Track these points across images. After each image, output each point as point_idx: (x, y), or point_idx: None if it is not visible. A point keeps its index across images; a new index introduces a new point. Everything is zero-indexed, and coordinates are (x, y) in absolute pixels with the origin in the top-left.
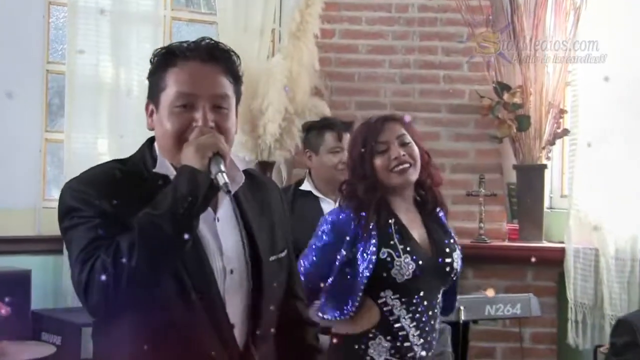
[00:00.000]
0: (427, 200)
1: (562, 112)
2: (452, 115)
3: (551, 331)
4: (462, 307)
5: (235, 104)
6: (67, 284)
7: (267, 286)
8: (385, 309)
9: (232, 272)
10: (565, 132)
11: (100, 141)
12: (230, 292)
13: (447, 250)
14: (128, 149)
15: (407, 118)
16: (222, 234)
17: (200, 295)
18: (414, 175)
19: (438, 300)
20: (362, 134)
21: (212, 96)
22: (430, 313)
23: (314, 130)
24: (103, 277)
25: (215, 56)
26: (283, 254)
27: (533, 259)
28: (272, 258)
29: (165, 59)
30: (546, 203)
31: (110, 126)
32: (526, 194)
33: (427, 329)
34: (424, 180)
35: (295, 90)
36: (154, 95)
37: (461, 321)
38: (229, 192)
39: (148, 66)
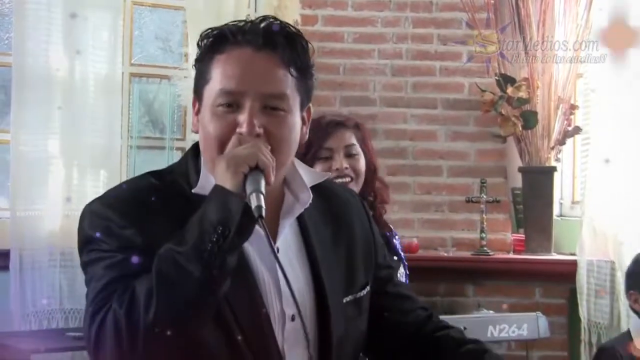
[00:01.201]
0: None
1: (573, 107)
2: (449, 111)
3: (562, 354)
4: (462, 328)
5: (300, 105)
6: (16, 305)
7: (337, 336)
8: None
9: (293, 318)
10: (577, 130)
11: (52, 142)
12: (291, 342)
13: None
14: (85, 151)
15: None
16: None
17: (251, 347)
18: (354, 189)
19: None
20: (309, 134)
21: (261, 95)
22: None
23: None
24: (114, 335)
25: (273, 42)
26: (363, 293)
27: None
28: (348, 299)
29: (213, 44)
30: (556, 210)
31: (63, 125)
32: (533, 200)
33: None
34: (366, 194)
35: None
36: (198, 88)
37: None
38: (260, 217)
39: (106, 57)
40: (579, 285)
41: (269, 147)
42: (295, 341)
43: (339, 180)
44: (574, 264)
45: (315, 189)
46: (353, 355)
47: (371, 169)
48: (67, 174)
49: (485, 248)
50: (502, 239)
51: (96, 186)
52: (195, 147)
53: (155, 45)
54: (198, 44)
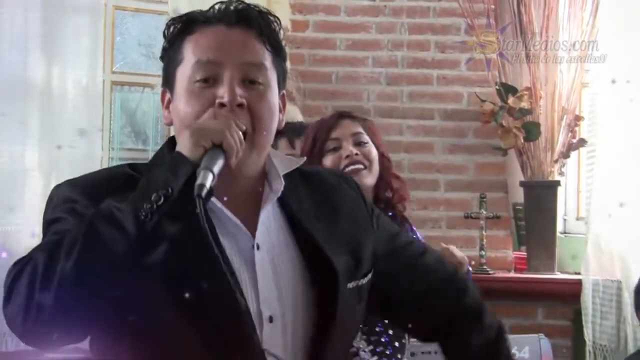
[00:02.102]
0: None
1: (578, 118)
2: (447, 122)
3: None
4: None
5: (278, 83)
6: None
7: (340, 325)
8: None
9: (270, 319)
10: (582, 142)
11: (30, 153)
12: (269, 345)
13: None
14: (65, 163)
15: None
16: (261, 266)
17: (232, 349)
18: (368, 178)
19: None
20: (314, 130)
21: (240, 64)
22: (396, 345)
23: None
24: (27, 284)
25: (246, 18)
26: (365, 280)
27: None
28: (351, 285)
29: (183, 28)
30: (559, 227)
31: (42, 135)
32: (536, 216)
33: None
34: (383, 191)
35: None
36: (168, 75)
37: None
38: (198, 196)
39: (86, 64)
40: (584, 305)
41: (244, 128)
42: (274, 345)
43: (351, 167)
44: (578, 283)
45: (302, 175)
46: (346, 347)
47: (384, 163)
48: (45, 187)
49: (485, 266)
50: (503, 256)
51: None
52: (172, 139)
53: (138, 51)
54: (164, 34)
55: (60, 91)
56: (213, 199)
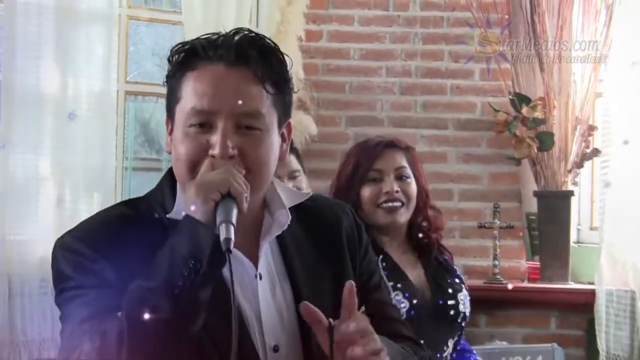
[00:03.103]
0: (422, 246)
1: (591, 128)
2: (461, 132)
3: None
4: None
5: (278, 122)
6: (5, 334)
7: None
8: None
9: (275, 349)
10: (596, 152)
11: (43, 162)
12: None
13: (450, 290)
14: (77, 172)
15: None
16: (264, 296)
17: None
18: (404, 216)
19: (446, 352)
20: (357, 155)
21: (234, 114)
22: None
23: None
24: None
25: (245, 57)
26: None
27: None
28: (336, 322)
29: (184, 60)
30: (573, 237)
31: (54, 145)
32: (549, 226)
33: None
34: (419, 223)
35: None
36: (170, 107)
37: None
38: (227, 250)
39: (100, 74)
40: (598, 315)
41: (243, 171)
42: None
43: (389, 204)
44: (592, 293)
45: (301, 208)
46: None
47: (423, 196)
48: (58, 196)
49: (498, 276)
50: (516, 266)
51: (89, 209)
52: (171, 170)
53: (152, 61)
54: (169, 59)
55: (74, 100)
56: None
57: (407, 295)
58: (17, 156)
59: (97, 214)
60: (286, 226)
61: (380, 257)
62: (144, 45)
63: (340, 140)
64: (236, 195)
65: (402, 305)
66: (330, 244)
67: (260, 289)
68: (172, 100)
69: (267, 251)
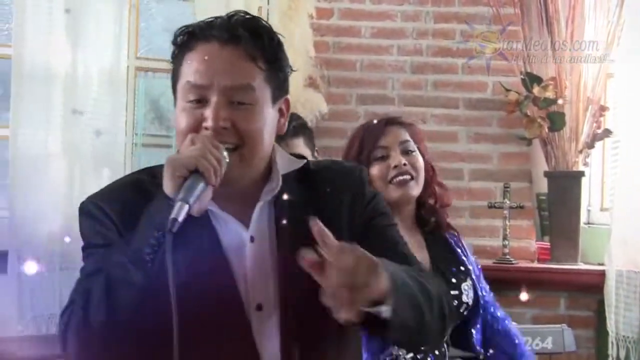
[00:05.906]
0: (430, 223)
1: (603, 109)
2: (472, 111)
3: None
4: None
5: (272, 97)
6: (14, 309)
7: (308, 327)
8: None
9: (259, 307)
10: (607, 133)
11: (53, 138)
12: (259, 332)
13: (454, 280)
14: (87, 148)
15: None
16: (252, 257)
17: (226, 338)
18: (415, 189)
19: (446, 338)
20: (360, 136)
21: (226, 88)
22: (437, 353)
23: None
24: (75, 332)
25: (237, 36)
26: None
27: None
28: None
29: (184, 41)
30: (583, 218)
31: (65, 121)
32: (559, 206)
33: None
34: (427, 199)
35: None
36: (173, 86)
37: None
38: (170, 231)
39: (110, 50)
40: (607, 296)
41: (222, 146)
42: (264, 332)
43: (399, 178)
44: (602, 274)
45: (306, 176)
46: (339, 343)
47: (429, 171)
48: (68, 173)
49: (508, 256)
50: (526, 247)
51: (99, 185)
52: None
53: (163, 38)
54: (173, 43)
55: (84, 76)
56: (211, 202)
57: None
58: (27, 132)
59: (120, 178)
60: (276, 191)
61: None
62: (154, 21)
63: (351, 118)
64: (203, 170)
65: None
66: (329, 211)
67: (250, 251)
68: (174, 79)
69: (263, 215)
